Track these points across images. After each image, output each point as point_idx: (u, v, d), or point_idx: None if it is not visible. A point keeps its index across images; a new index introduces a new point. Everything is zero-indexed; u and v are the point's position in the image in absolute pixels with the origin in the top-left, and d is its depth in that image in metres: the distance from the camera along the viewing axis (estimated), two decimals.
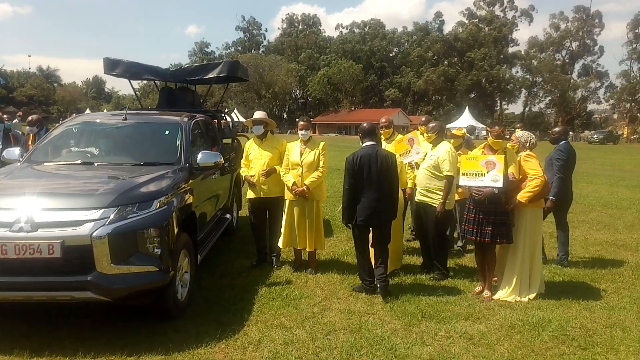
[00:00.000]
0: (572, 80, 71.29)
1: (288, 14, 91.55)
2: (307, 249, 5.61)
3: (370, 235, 5.12)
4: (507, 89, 74.40)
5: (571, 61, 73.14)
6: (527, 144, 5.08)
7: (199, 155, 4.97)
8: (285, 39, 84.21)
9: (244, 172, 5.87)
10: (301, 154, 5.50)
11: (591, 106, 76.49)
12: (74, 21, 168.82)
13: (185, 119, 5.48)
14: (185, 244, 4.37)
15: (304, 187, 5.39)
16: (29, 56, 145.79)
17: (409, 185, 5.97)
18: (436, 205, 5.29)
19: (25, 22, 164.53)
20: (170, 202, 4.06)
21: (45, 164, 4.88)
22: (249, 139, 6.04)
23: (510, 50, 75.65)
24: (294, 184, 5.44)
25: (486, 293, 4.95)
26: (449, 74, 71.08)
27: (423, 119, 6.60)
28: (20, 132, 9.11)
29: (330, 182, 12.13)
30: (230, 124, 8.25)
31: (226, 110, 9.32)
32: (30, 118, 7.56)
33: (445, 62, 74.16)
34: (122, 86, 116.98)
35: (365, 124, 5.25)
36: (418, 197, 5.54)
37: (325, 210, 8.10)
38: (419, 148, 5.53)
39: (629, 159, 26.69)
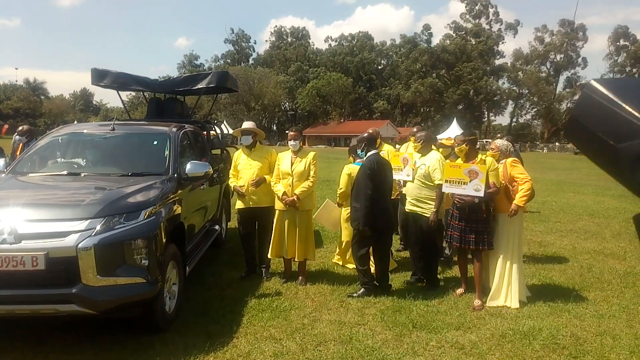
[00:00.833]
0: (557, 92, 72.50)
1: (276, 26, 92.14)
2: (296, 259, 5.57)
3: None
4: (495, 101, 75.42)
5: (556, 73, 74.48)
6: (507, 152, 5.21)
7: (188, 166, 4.92)
8: (275, 52, 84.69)
9: (232, 182, 5.83)
10: (292, 164, 5.48)
11: None
12: (62, 34, 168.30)
13: (174, 129, 5.44)
14: (174, 255, 4.30)
15: (295, 197, 5.36)
16: (16, 69, 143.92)
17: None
18: (427, 215, 5.29)
19: (13, 34, 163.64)
20: (158, 212, 4.01)
21: (31, 174, 4.81)
22: (237, 149, 6.02)
23: (497, 62, 76.94)
24: (284, 193, 5.42)
25: (477, 302, 4.94)
26: (437, 86, 71.88)
27: (414, 129, 6.57)
28: None
29: (320, 193, 12.10)
30: (220, 135, 8.21)
31: (215, 121, 9.25)
32: (20, 128, 7.51)
33: (434, 74, 75.03)
34: (110, 99, 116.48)
35: (366, 134, 5.50)
36: (408, 207, 5.54)
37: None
38: (410, 171, 5.53)
39: None
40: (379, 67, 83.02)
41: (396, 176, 5.82)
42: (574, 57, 73.21)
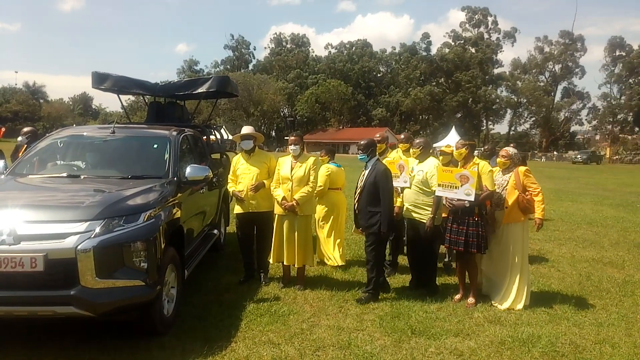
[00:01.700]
0: (555, 102, 72.80)
1: (276, 33, 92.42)
2: (295, 265, 5.55)
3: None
4: (493, 109, 75.73)
5: (554, 83, 74.84)
6: (517, 159, 5.28)
7: (188, 169, 4.92)
8: (274, 58, 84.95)
9: (231, 187, 5.82)
10: (291, 169, 5.48)
11: (574, 127, 78.17)
12: (63, 38, 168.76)
13: (174, 133, 5.45)
14: (172, 259, 4.29)
15: (294, 202, 5.36)
16: (16, 72, 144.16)
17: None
18: (425, 221, 5.30)
19: (14, 38, 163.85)
20: (157, 215, 4.00)
21: (30, 176, 4.80)
22: (236, 154, 6.02)
23: (496, 71, 77.37)
24: (284, 198, 5.41)
25: (470, 300, 5.08)
26: (436, 94, 72.17)
27: (402, 136, 6.65)
28: None
29: None
30: (220, 139, 8.21)
31: (216, 126, 9.25)
32: (24, 129, 7.55)
33: (433, 82, 75.36)
34: (109, 103, 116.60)
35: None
36: (405, 213, 5.55)
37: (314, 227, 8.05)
38: (407, 177, 5.55)
39: (612, 179, 27.11)
40: (378, 75, 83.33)
41: (394, 183, 5.82)
42: (572, 67, 73.66)
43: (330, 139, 71.35)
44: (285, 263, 5.58)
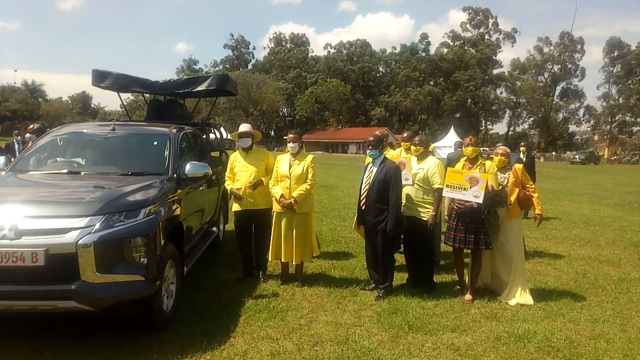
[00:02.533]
0: (553, 102, 72.91)
1: (276, 33, 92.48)
2: (294, 262, 5.59)
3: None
4: (492, 110, 75.84)
5: (553, 84, 74.95)
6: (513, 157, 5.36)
7: (187, 166, 4.96)
8: (274, 58, 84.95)
9: (229, 184, 5.85)
10: (290, 166, 5.51)
11: (573, 127, 78.34)
12: (62, 36, 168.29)
13: (174, 130, 5.48)
14: (172, 255, 4.32)
15: (292, 199, 5.40)
16: (15, 71, 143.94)
17: None
18: (425, 218, 5.33)
19: (13, 37, 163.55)
20: (157, 211, 4.03)
21: (31, 172, 4.83)
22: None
23: (495, 71, 77.47)
24: (282, 196, 5.45)
25: (467, 296, 5.18)
26: (435, 94, 72.26)
27: (405, 135, 6.69)
28: None
29: (318, 198, 12.13)
30: (219, 137, 8.24)
31: (215, 124, 9.28)
32: (31, 126, 7.72)
33: (432, 82, 75.46)
34: (108, 102, 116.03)
35: (378, 133, 5.73)
36: (405, 211, 5.55)
37: None
38: (409, 175, 5.53)
39: (610, 179, 27.19)
40: (378, 75, 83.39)
41: None
42: (572, 69, 73.79)
43: (329, 138, 71.52)
44: (283, 260, 5.62)
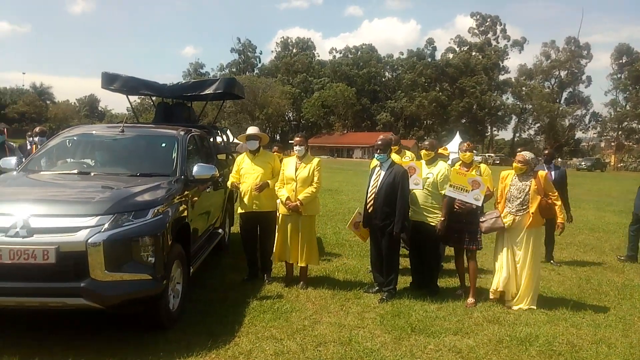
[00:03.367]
0: (560, 108, 72.69)
1: (283, 37, 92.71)
2: (299, 264, 5.65)
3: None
4: (498, 116, 75.69)
5: (560, 89, 74.77)
6: (534, 164, 5.36)
7: (195, 168, 5.04)
8: (280, 62, 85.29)
9: (232, 181, 5.89)
10: (296, 169, 5.58)
11: (579, 134, 78.01)
12: (71, 40, 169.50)
13: (182, 133, 5.57)
14: (179, 255, 4.40)
15: (298, 202, 5.46)
16: (24, 73, 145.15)
17: None
18: (434, 223, 5.36)
19: (23, 40, 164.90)
20: (165, 211, 4.11)
21: (42, 173, 4.93)
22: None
23: (501, 77, 77.47)
24: (288, 198, 5.51)
25: (470, 300, 5.24)
26: (441, 100, 72.25)
27: (426, 142, 6.09)
28: (13, 145, 9.19)
29: (322, 202, 12.18)
30: (226, 141, 8.33)
31: (222, 127, 9.37)
32: (36, 129, 7.86)
33: (437, 88, 75.47)
34: (115, 105, 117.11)
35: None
36: (414, 215, 5.53)
37: (317, 228, 8.15)
38: (419, 179, 5.48)
39: (616, 186, 27.07)
40: (383, 80, 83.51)
41: None
42: (578, 74, 73.59)
43: (335, 143, 71.59)
44: (289, 262, 5.68)
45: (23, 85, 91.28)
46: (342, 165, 40.34)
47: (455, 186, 5.27)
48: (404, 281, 5.97)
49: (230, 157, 7.99)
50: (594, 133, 75.32)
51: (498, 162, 52.52)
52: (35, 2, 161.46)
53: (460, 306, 5.16)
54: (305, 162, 5.62)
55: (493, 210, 5.35)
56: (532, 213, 5.10)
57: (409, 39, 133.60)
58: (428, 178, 5.46)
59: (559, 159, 66.15)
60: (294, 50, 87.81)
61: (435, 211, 5.39)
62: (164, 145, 5.50)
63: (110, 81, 7.61)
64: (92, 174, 4.87)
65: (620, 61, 70.12)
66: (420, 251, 5.66)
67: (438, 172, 5.43)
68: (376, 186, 5.39)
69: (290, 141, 6.10)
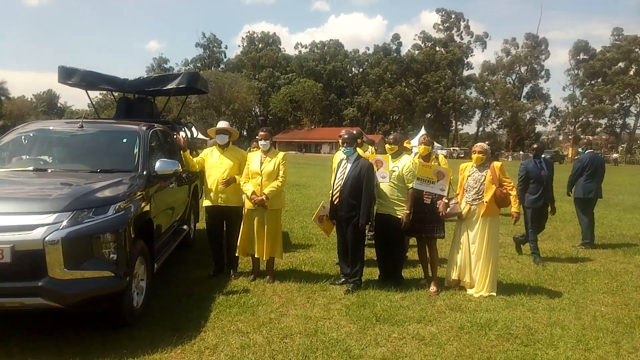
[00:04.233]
0: (521, 103, 74.95)
1: (249, 32, 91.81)
2: (264, 258, 5.66)
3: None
4: (462, 110, 77.41)
5: (520, 85, 77.07)
6: (490, 154, 5.61)
7: (157, 164, 4.97)
8: (246, 57, 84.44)
9: (198, 159, 5.91)
10: (261, 164, 5.58)
11: (539, 127, 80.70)
12: (26, 33, 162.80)
13: (144, 128, 5.47)
14: (142, 251, 4.34)
15: (263, 196, 5.47)
16: None
17: None
18: (400, 216, 5.45)
19: None
20: (127, 207, 4.04)
21: None
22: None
23: (465, 73, 79.17)
24: (253, 192, 5.51)
25: (432, 288, 5.39)
26: (406, 95, 73.28)
27: (391, 137, 6.49)
28: None
29: (290, 197, 12.21)
30: (190, 136, 8.21)
31: (187, 123, 9.22)
32: None
33: (403, 83, 76.46)
34: (75, 101, 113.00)
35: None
36: (379, 208, 5.64)
37: (284, 222, 8.17)
38: (386, 173, 5.57)
39: None
40: (350, 75, 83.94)
41: None
42: (537, 70, 76.04)
43: (302, 138, 71.55)
44: (255, 256, 5.68)
45: None
46: (310, 161, 40.41)
47: (422, 179, 5.43)
48: (370, 272, 6.07)
49: (194, 153, 7.88)
50: (553, 127, 78.22)
51: (462, 155, 53.79)
52: None
53: (424, 295, 5.29)
54: (271, 156, 5.63)
55: (453, 197, 5.56)
56: (487, 202, 5.32)
57: (375, 35, 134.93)
58: (394, 171, 5.56)
59: (521, 152, 68.32)
60: (260, 45, 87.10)
61: (401, 204, 5.49)
62: (125, 140, 5.39)
63: (68, 75, 7.36)
64: (50, 170, 4.73)
65: (578, 57, 72.82)
66: (387, 244, 5.76)
67: (403, 166, 5.52)
68: (342, 179, 5.46)
69: (257, 137, 6.09)
